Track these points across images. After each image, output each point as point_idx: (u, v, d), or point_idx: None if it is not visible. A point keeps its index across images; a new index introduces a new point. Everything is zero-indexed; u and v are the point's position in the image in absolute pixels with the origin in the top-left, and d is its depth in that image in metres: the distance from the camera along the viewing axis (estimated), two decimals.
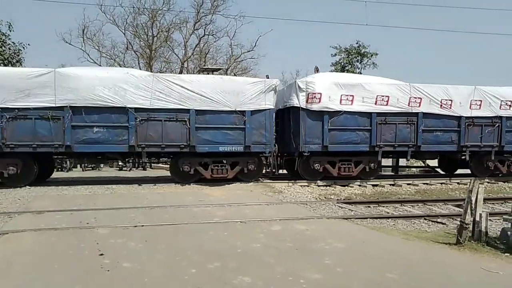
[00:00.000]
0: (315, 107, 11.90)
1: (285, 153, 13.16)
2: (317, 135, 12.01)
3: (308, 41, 55.88)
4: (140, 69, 27.09)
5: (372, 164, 12.69)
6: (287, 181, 12.30)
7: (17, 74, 10.34)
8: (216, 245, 5.72)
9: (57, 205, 8.53)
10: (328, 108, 11.98)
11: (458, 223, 6.26)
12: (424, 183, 13.00)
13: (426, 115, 12.71)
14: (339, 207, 9.34)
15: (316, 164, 12.20)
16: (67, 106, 10.37)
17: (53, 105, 10.32)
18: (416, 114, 12.62)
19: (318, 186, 12.16)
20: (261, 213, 8.06)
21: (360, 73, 27.49)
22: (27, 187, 10.74)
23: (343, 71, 27.47)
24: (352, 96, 12.10)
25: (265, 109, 11.64)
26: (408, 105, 12.53)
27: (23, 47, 19.96)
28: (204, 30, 28.37)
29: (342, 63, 27.56)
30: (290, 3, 55.68)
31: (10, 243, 5.73)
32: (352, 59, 27.39)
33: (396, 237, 6.67)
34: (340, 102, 12.03)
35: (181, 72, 27.24)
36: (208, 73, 15.27)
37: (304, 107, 11.88)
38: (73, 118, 10.47)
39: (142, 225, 6.77)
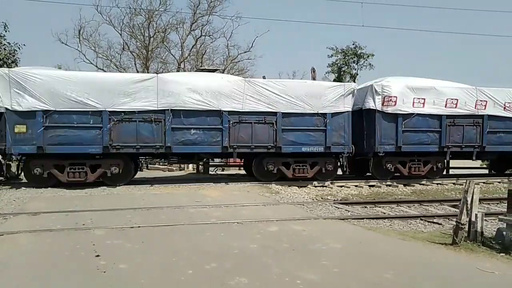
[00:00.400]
0: (390, 109, 12.45)
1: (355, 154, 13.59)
2: (391, 136, 12.62)
3: (305, 42, 56.05)
4: (137, 70, 27.05)
5: (439, 164, 13.43)
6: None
7: (124, 79, 11.10)
8: (213, 246, 5.72)
9: (53, 206, 8.49)
10: (401, 110, 12.52)
11: (454, 223, 6.29)
12: (420, 184, 13.08)
13: (491, 117, 13.31)
14: (336, 207, 9.35)
15: (389, 164, 12.89)
16: (168, 110, 10.98)
17: (155, 108, 10.91)
18: (482, 116, 13.21)
19: (315, 186, 12.19)
20: (258, 214, 8.06)
21: (357, 74, 27.61)
22: (23, 188, 10.69)
23: (340, 72, 27.59)
24: (424, 99, 12.67)
25: (344, 112, 12.23)
26: (475, 108, 13.13)
27: (19, 48, 19.81)
28: (201, 31, 28.37)
29: (339, 64, 27.64)
30: (287, 4, 55.86)
31: (5, 245, 5.69)
32: (348, 60, 27.49)
33: (392, 237, 6.69)
34: (413, 104, 12.61)
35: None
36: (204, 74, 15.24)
37: (380, 110, 12.44)
38: (173, 121, 11.07)
39: (139, 226, 6.75)
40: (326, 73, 28.33)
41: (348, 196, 11.16)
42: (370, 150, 12.64)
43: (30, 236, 6.10)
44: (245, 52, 29.05)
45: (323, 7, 58.77)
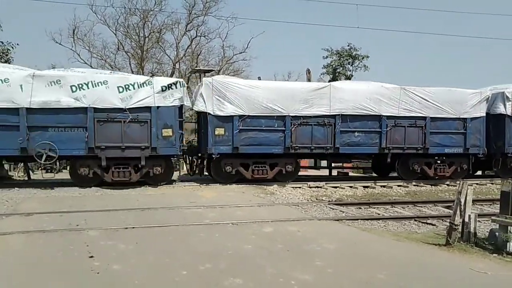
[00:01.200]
0: None
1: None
2: None
3: (300, 43, 56.15)
4: (132, 70, 26.89)
5: None
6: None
7: (303, 88, 12.32)
8: (207, 246, 5.71)
9: (46, 206, 8.43)
10: None
11: (448, 224, 6.34)
12: (414, 185, 13.16)
13: None
14: (331, 208, 9.38)
15: None
16: (338, 114, 12.21)
17: (328, 113, 12.16)
18: None
19: (310, 187, 12.22)
20: (253, 215, 8.06)
21: (351, 75, 27.70)
22: (16, 188, 10.61)
23: (335, 74, 27.65)
24: None
25: (480, 116, 13.49)
26: None
27: (12, 47, 19.68)
28: (196, 31, 28.24)
29: (334, 66, 27.73)
30: (282, 5, 55.99)
31: None
32: (343, 62, 27.58)
33: (387, 238, 6.72)
34: None
35: (172, 73, 27.10)
36: (199, 75, 15.24)
37: (510, 115, 13.45)
38: (341, 125, 12.32)
39: (133, 227, 6.72)
40: (321, 74, 28.44)
41: (343, 197, 11.19)
42: (497, 151, 13.76)
43: (23, 237, 6.05)
44: (241, 53, 29.00)
45: (318, 8, 58.96)
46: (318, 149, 12.40)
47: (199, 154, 12.84)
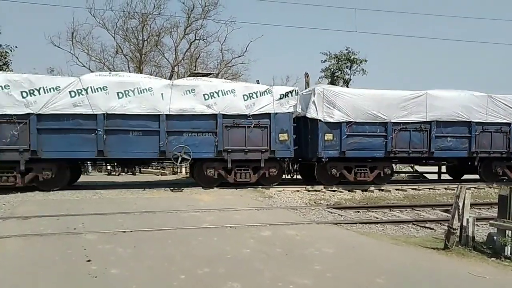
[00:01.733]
0: None
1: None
2: None
3: (298, 47, 56.31)
4: (130, 73, 26.87)
5: None
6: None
7: (403, 96, 13.01)
8: (206, 250, 5.69)
9: (44, 210, 8.39)
10: None
11: (446, 228, 6.34)
12: (412, 188, 13.17)
13: None
14: (329, 212, 9.37)
15: None
16: (434, 121, 13.12)
17: (424, 119, 13.04)
18: None
19: (308, 191, 12.22)
20: (251, 218, 8.05)
21: (350, 79, 27.77)
22: (13, 192, 10.55)
23: (333, 77, 27.70)
24: None
25: None
26: None
27: (10, 50, 19.69)
28: (195, 35, 28.26)
29: (332, 69, 27.78)
30: (281, 9, 56.17)
31: None
32: (341, 65, 27.63)
33: (385, 242, 6.71)
34: None
35: (171, 77, 27.12)
36: (198, 78, 15.27)
37: None
38: (436, 130, 13.20)
39: (131, 231, 6.70)
40: (320, 78, 28.50)
41: (341, 200, 11.19)
42: None
43: (20, 241, 6.02)
44: (239, 56, 29.01)
45: (317, 12, 59.18)
46: (415, 153, 13.29)
47: (299, 159, 13.57)
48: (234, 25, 28.05)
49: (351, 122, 12.49)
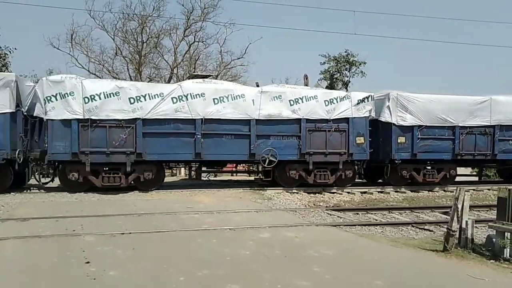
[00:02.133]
0: None
1: None
2: None
3: (297, 49, 56.37)
4: (129, 75, 26.91)
5: None
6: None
7: (468, 101, 13.73)
8: (205, 252, 5.68)
9: (42, 212, 8.36)
10: None
11: (445, 230, 6.34)
12: (411, 191, 13.18)
13: None
14: (328, 214, 9.36)
15: None
16: (497, 125, 13.80)
17: (488, 124, 13.75)
18: None
19: (308, 193, 12.22)
20: (250, 220, 8.03)
21: (349, 82, 27.80)
22: (12, 193, 10.54)
23: (332, 80, 27.71)
24: None
25: None
26: None
27: (10, 51, 19.67)
28: (194, 37, 28.26)
29: (331, 72, 27.80)
30: (280, 11, 56.26)
31: None
32: (340, 68, 27.63)
33: (384, 244, 6.71)
34: None
35: (170, 78, 27.12)
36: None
37: None
38: (499, 134, 13.83)
39: (130, 233, 6.68)
40: (319, 80, 28.50)
41: (340, 202, 11.19)
42: None
43: (18, 243, 6.00)
44: (238, 58, 29.00)
45: (316, 15, 59.28)
46: (479, 156, 13.93)
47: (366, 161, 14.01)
48: (233, 27, 28.06)
49: (422, 125, 13.16)
